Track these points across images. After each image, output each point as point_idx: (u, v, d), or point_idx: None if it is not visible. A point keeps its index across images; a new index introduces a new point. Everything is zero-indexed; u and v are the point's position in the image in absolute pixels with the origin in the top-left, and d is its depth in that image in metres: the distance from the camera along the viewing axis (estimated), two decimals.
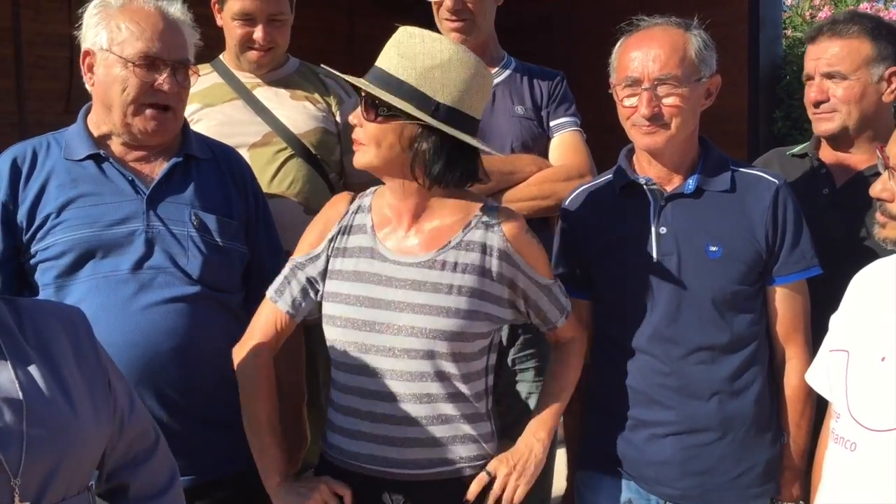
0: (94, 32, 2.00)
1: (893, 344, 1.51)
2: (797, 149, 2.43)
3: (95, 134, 2.04)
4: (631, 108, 1.93)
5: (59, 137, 2.06)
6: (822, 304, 1.95)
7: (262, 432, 1.88)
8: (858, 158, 2.28)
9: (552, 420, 1.91)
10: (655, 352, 1.96)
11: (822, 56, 2.25)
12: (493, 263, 1.80)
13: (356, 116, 1.80)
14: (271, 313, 1.93)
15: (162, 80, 1.98)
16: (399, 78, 1.73)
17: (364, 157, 1.80)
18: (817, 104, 2.27)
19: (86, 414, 1.42)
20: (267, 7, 2.46)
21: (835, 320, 1.72)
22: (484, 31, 2.43)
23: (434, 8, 2.41)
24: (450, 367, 1.78)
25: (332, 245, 1.88)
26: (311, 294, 1.91)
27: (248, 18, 2.47)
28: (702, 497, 1.97)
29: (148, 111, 1.99)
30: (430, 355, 1.77)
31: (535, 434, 1.88)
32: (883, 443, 1.47)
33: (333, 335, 1.85)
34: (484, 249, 1.80)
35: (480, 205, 1.84)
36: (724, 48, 1.99)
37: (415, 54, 1.73)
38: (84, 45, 2.03)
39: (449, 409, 1.80)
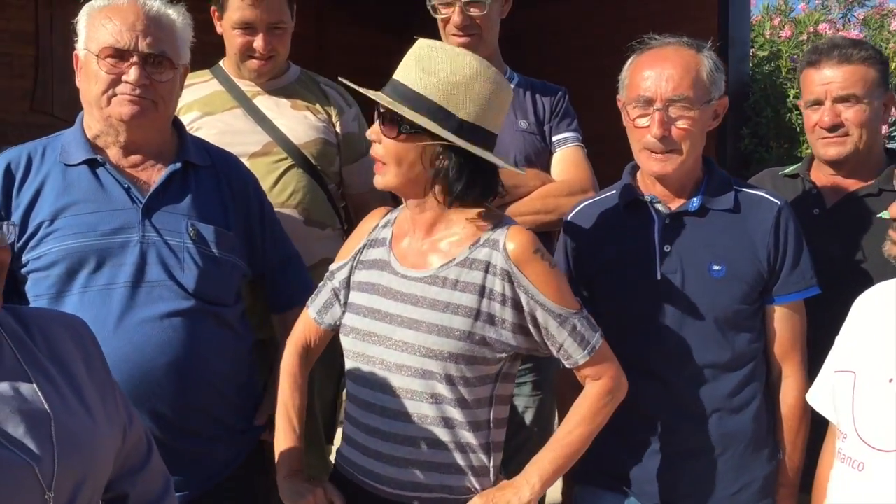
0: (79, 34, 1.98)
1: None
2: (789, 169, 2.46)
3: (89, 136, 2.00)
4: (642, 128, 1.93)
5: (55, 141, 2.02)
6: (814, 323, 1.99)
7: (280, 422, 1.93)
8: (850, 181, 2.31)
9: (550, 468, 1.76)
10: (656, 369, 1.96)
11: (835, 80, 2.24)
12: (496, 283, 1.71)
13: (374, 132, 1.74)
14: (303, 317, 1.99)
15: (128, 71, 1.93)
16: (420, 93, 1.67)
17: (384, 178, 1.76)
18: (832, 128, 2.26)
19: (102, 423, 1.41)
20: (267, 16, 2.43)
21: (839, 341, 1.73)
22: (490, 46, 2.43)
23: (440, 24, 2.41)
24: (443, 390, 1.71)
25: (357, 257, 1.89)
26: (337, 303, 1.91)
27: (248, 27, 2.43)
28: None
29: (120, 95, 1.93)
30: (422, 374, 1.71)
31: (528, 478, 1.75)
32: (891, 463, 1.50)
33: (343, 344, 1.86)
34: (487, 268, 1.71)
35: (494, 222, 1.77)
36: None
37: (438, 69, 1.67)
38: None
39: (441, 433, 1.73)
